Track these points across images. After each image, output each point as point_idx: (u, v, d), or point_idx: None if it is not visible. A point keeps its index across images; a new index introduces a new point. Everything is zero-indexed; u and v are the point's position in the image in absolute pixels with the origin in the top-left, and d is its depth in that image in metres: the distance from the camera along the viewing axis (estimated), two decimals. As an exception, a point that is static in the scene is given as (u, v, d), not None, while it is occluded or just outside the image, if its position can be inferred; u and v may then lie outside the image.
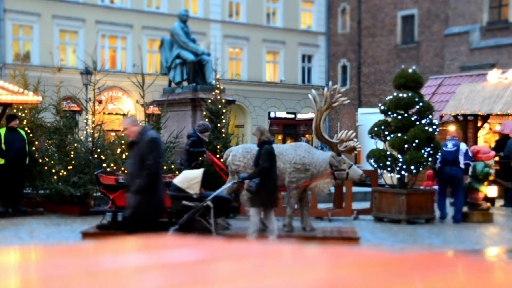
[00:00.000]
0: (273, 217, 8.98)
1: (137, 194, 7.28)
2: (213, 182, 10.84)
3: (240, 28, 34.39)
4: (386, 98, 13.25)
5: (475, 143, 15.62)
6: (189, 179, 9.00)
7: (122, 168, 12.15)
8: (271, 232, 8.90)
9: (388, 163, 12.32)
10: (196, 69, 15.83)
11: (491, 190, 13.09)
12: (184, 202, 8.90)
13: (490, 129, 18.08)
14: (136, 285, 0.96)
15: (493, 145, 16.77)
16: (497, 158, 15.06)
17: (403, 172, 12.35)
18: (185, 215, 8.89)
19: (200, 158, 11.29)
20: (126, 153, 12.89)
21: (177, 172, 11.14)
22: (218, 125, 13.05)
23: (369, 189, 14.29)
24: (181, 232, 8.83)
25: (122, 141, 13.34)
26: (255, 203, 8.90)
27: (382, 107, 12.92)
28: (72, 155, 13.19)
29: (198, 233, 8.54)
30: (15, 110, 13.78)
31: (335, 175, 9.73)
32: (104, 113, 16.20)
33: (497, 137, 17.04)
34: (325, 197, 13.57)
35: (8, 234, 10.48)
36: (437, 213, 12.65)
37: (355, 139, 10.11)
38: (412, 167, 12.15)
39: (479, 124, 16.20)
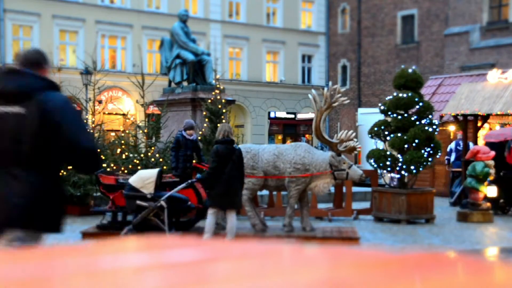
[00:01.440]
0: (233, 218, 8.79)
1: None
2: None
3: (240, 28, 34.39)
4: (386, 98, 13.26)
5: (475, 143, 15.61)
6: (143, 179, 8.96)
7: (122, 168, 12.16)
8: (229, 232, 8.80)
9: (388, 163, 12.33)
10: (196, 69, 15.84)
11: (491, 190, 13.09)
12: (138, 202, 8.86)
13: (490, 129, 18.07)
14: (136, 285, 0.96)
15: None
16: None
17: (403, 172, 12.35)
18: (139, 215, 8.88)
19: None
20: (126, 153, 12.91)
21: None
22: (218, 125, 13.06)
23: (369, 189, 14.29)
24: (135, 232, 8.84)
25: (122, 141, 13.34)
26: (212, 203, 8.79)
27: (382, 107, 12.92)
28: (72, 155, 13.18)
29: (152, 233, 8.50)
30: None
31: (335, 175, 9.72)
32: (104, 113, 16.21)
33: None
34: (325, 197, 13.57)
35: (8, 234, 10.47)
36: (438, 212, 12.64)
37: (355, 139, 10.10)
38: (412, 167, 12.15)
39: (479, 124, 16.19)
